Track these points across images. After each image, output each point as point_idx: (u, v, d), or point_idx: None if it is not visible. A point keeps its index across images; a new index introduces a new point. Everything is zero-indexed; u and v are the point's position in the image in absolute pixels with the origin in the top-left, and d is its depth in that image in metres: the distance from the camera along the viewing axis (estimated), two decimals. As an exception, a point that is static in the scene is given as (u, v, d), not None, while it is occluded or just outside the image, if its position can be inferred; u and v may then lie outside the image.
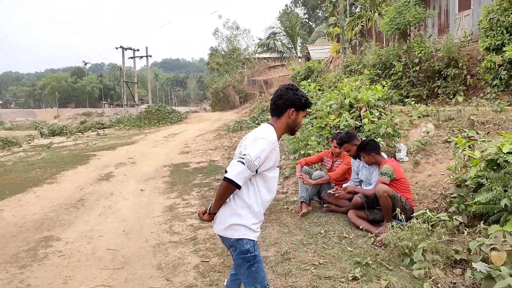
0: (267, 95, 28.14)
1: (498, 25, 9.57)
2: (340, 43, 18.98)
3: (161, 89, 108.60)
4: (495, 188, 3.12)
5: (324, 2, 24.01)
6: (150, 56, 37.12)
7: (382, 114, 6.25)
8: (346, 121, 6.12)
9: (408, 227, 3.43)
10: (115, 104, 66.82)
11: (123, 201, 6.62)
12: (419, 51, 11.96)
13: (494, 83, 9.58)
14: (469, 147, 4.01)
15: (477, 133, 5.56)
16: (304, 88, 9.40)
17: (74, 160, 11.23)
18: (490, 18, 9.75)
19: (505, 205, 3.03)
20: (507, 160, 3.31)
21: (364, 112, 6.27)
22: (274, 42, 29.25)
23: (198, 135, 16.35)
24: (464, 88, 10.95)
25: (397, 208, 3.87)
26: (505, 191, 3.13)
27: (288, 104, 2.29)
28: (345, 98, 6.70)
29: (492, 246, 2.65)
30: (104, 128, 24.36)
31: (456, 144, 4.05)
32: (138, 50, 37.54)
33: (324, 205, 4.89)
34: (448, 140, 5.52)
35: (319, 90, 8.99)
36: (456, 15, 14.07)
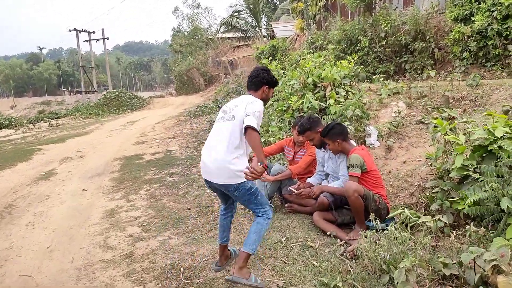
0: (232, 77, 27.15)
1: (466, -7, 9.04)
2: (304, 20, 18.18)
3: (124, 73, 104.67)
4: (491, 185, 2.48)
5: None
6: (107, 39, 35.05)
7: (349, 93, 5.58)
8: (309, 103, 5.42)
9: (384, 236, 2.77)
10: (76, 92, 63.65)
11: (59, 206, 5.71)
12: (385, 25, 11.35)
13: (463, 56, 9.12)
14: (451, 130, 3.38)
15: (451, 110, 4.97)
16: (263, 52, 8.62)
17: (15, 156, 10.07)
18: (457, -14, 9.20)
19: (507, 206, 2.39)
20: (501, 146, 2.68)
21: (330, 92, 5.58)
22: (237, 21, 28.07)
23: (158, 122, 15.32)
24: (432, 62, 10.48)
25: (370, 210, 3.23)
26: (502, 187, 2.50)
27: (263, 82, 3.05)
28: (308, 77, 5.99)
29: (495, 265, 2.00)
30: (59, 117, 22.75)
31: (435, 127, 3.40)
32: (93, 32, 35.40)
33: (286, 205, 4.20)
34: (423, 120, 4.93)
35: (281, 69, 8.22)
36: (422, -14, 13.52)
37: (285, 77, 6.69)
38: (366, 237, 2.90)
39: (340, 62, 6.09)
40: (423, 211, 3.38)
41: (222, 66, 30.23)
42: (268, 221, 2.90)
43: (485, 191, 2.54)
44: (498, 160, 2.76)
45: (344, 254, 3.09)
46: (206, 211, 4.70)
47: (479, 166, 2.94)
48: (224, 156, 2.75)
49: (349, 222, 3.60)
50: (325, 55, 6.61)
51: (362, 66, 7.95)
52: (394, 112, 5.25)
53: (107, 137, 12.76)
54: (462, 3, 9.13)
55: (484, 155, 2.95)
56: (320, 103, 5.53)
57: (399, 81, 6.55)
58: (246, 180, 2.72)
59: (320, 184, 4.01)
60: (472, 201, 2.48)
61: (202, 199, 5.24)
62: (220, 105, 15.55)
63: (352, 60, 6.03)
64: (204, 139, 9.87)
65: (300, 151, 4.40)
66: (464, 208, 2.91)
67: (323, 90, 5.84)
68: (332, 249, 3.22)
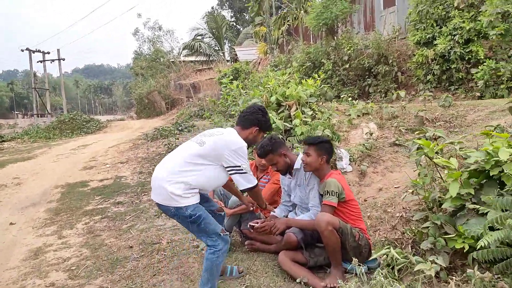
0: (195, 100, 26.51)
1: (427, 17, 9.05)
2: (267, 43, 18.03)
3: (83, 96, 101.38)
4: (506, 222, 1.95)
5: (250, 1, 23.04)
6: (63, 59, 33.61)
7: (316, 113, 5.08)
8: (273, 123, 4.85)
9: (370, 285, 2.16)
10: (30, 114, 60.43)
11: (-25, 244, 4.71)
12: (348, 48, 11.24)
13: (427, 79, 9.01)
14: (437, 152, 2.88)
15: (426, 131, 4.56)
16: (226, 87, 8.09)
17: None
18: (419, 10, 9.20)
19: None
20: (503, 171, 2.18)
21: (295, 111, 5.05)
22: (200, 44, 27.65)
23: (113, 145, 14.25)
24: (396, 86, 10.39)
25: (348, 247, 2.63)
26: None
27: (255, 122, 2.84)
28: (271, 95, 5.45)
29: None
30: (4, 141, 20.95)
31: (419, 148, 2.90)
32: (48, 53, 33.90)
33: (246, 242, 3.52)
34: (397, 142, 4.47)
35: (242, 89, 7.68)
36: (382, 12, 13.73)
37: (246, 95, 6.15)
38: (346, 285, 2.28)
39: (306, 80, 5.63)
40: (410, 249, 2.82)
41: (184, 89, 29.56)
42: (217, 254, 2.59)
43: (497, 229, 2.01)
44: (502, 188, 2.27)
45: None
46: (151, 250, 3.93)
47: (476, 195, 2.43)
48: (166, 174, 2.60)
49: (323, 264, 2.96)
50: (289, 73, 6.16)
51: (329, 85, 7.55)
52: (366, 134, 4.80)
53: (53, 162, 11.60)
54: (424, 27, 9.11)
55: (483, 181, 2.45)
56: (285, 123, 4.99)
57: (368, 102, 6.22)
58: (184, 205, 2.55)
59: (286, 216, 3.38)
60: (483, 243, 1.93)
61: (148, 234, 4.46)
62: (180, 128, 14.79)
63: (318, 79, 5.60)
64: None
65: (263, 177, 3.77)
66: (462, 246, 2.37)
67: (288, 109, 5.33)
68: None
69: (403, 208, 3.33)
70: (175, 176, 2.57)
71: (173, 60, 32.48)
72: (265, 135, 3.10)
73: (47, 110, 33.68)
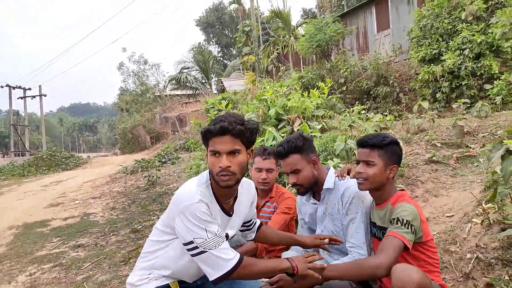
0: (181, 133, 25.56)
1: (432, 32, 8.35)
2: (256, 72, 17.35)
3: (67, 135, 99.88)
4: None
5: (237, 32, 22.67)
6: (44, 95, 32.61)
7: (326, 128, 4.08)
8: (273, 140, 3.81)
9: None
10: (10, 153, 58.24)
11: None
12: (344, 70, 10.50)
13: (437, 97, 8.18)
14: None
15: (468, 147, 3.58)
16: (213, 107, 7.16)
17: None
18: (422, 25, 8.52)
19: None
20: None
21: (299, 125, 4.04)
22: (186, 76, 27.02)
23: (88, 180, 12.99)
24: (398, 107, 9.57)
25: None
26: None
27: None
28: (269, 109, 4.46)
29: None
30: (-27, 180, 19.40)
31: (504, 156, 1.90)
32: (30, 89, 32.97)
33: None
34: (434, 158, 3.46)
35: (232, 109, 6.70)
36: (375, 35, 13.20)
37: (238, 110, 5.17)
38: None
39: (311, 91, 4.69)
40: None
41: (170, 123, 28.66)
42: None
43: None
44: None
45: None
46: (107, 316, 2.73)
47: None
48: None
49: None
50: (288, 85, 5.22)
51: (337, 96, 6.54)
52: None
53: (17, 200, 10.29)
54: (428, 42, 8.39)
55: None
56: (287, 139, 3.98)
57: (385, 115, 5.29)
58: None
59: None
60: None
61: (108, 290, 3.26)
62: (163, 160, 13.62)
63: (325, 87, 4.65)
64: (138, 198, 7.90)
65: (266, 204, 2.67)
66: None
67: (290, 124, 4.31)
68: None
69: (476, 246, 2.27)
70: (138, 263, 1.85)
71: (158, 94, 31.73)
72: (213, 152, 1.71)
73: (25, 148, 32.18)
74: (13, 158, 31.10)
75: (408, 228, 1.68)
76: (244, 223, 2.01)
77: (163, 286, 1.74)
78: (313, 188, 2.13)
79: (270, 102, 4.58)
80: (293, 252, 2.30)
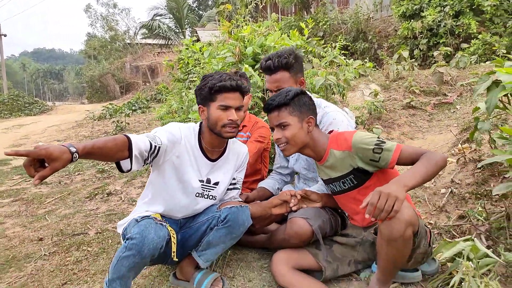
0: (152, 84, 24.72)
1: (415, -14, 8.16)
2: (233, 22, 16.71)
3: (31, 81, 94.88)
4: None
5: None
6: (4, 36, 30.43)
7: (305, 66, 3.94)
8: (251, 78, 3.65)
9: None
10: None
11: None
12: (323, 23, 10.22)
13: (413, 55, 8.14)
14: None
15: (446, 95, 3.57)
16: (187, 48, 6.85)
17: None
18: (405, -21, 8.31)
19: None
20: None
21: (278, 66, 3.86)
22: (159, 25, 25.74)
23: (53, 125, 12.44)
24: (375, 64, 9.52)
25: (415, 255, 1.52)
26: None
27: (198, 102, 1.87)
28: (246, 48, 4.24)
29: None
30: None
31: (494, 83, 1.86)
32: (-13, 27, 30.47)
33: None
34: (412, 103, 3.42)
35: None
36: (358, -10, 12.85)
37: (212, 49, 4.91)
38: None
39: (290, 32, 4.48)
40: (484, 241, 1.74)
41: (141, 73, 27.64)
42: (124, 247, 1.52)
43: None
44: None
45: None
46: (69, 244, 2.62)
47: None
48: None
49: (347, 273, 1.80)
50: (268, 25, 4.97)
51: (318, 38, 6.32)
52: (369, 95, 3.73)
53: (-24, 140, 9.72)
54: (410, -3, 8.22)
55: None
56: (263, 79, 3.82)
57: (365, 61, 5.17)
58: None
59: (280, 190, 2.21)
60: None
61: (71, 222, 3.13)
62: (133, 108, 13.19)
63: (306, 28, 4.46)
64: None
65: (238, 134, 2.55)
66: None
67: (268, 65, 4.14)
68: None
69: (452, 181, 2.27)
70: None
71: (129, 41, 30.26)
72: (224, 104, 1.79)
73: (-16, 91, 30.33)
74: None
75: (384, 142, 1.60)
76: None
77: (145, 216, 1.67)
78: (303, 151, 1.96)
79: (248, 41, 4.37)
80: (274, 178, 2.27)
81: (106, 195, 3.86)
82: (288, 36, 4.35)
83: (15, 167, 5.92)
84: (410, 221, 1.39)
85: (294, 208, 1.81)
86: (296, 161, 2.14)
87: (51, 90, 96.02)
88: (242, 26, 4.95)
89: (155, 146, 1.65)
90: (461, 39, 7.62)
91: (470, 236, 1.60)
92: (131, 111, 12.19)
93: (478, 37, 7.03)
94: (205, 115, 1.81)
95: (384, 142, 1.58)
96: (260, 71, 2.23)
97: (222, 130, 1.76)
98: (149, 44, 29.93)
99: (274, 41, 4.06)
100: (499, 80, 1.93)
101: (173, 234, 1.70)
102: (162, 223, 1.61)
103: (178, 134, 1.79)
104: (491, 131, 2.14)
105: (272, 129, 1.78)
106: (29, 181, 4.90)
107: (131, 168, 1.55)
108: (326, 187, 1.91)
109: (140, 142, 1.57)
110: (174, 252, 1.66)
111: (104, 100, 29.70)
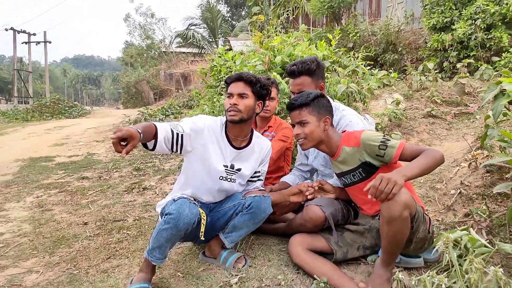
0: (185, 91, 25.42)
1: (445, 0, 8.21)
2: (264, 33, 17.08)
3: (70, 86, 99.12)
4: None
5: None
6: (50, 42, 32.23)
7: (331, 75, 4.15)
8: (280, 84, 3.91)
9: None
10: (14, 98, 58.07)
11: None
12: (353, 34, 10.38)
13: (442, 67, 8.16)
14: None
15: (466, 105, 3.69)
16: (220, 56, 7.21)
17: None
18: (437, -8, 8.37)
19: None
20: None
21: (304, 74, 4.11)
22: (193, 34, 26.58)
23: (92, 127, 13.15)
24: (404, 76, 9.57)
25: (415, 239, 1.73)
26: None
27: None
28: (275, 56, 4.52)
29: None
30: (-23, 121, 19.58)
31: (500, 94, 2.02)
32: (34, 34, 32.50)
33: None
34: (433, 113, 3.57)
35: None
36: (389, 2, 12.91)
37: (243, 58, 5.21)
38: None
39: (319, 42, 4.72)
40: (484, 234, 1.91)
41: (174, 80, 28.51)
42: (163, 221, 1.82)
43: None
44: None
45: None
46: (111, 228, 2.94)
47: None
48: None
49: (356, 257, 2.02)
50: (297, 36, 5.23)
51: (345, 49, 6.55)
52: (391, 103, 3.91)
53: (22, 139, 10.48)
54: (441, 10, 8.27)
55: None
56: (292, 86, 4.07)
57: (390, 72, 5.33)
58: None
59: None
60: None
61: (111, 210, 3.47)
62: (166, 113, 13.75)
63: (333, 39, 4.68)
64: (140, 144, 8.08)
65: (264, 134, 2.81)
66: None
67: (295, 73, 4.40)
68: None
69: (461, 183, 2.43)
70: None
71: (164, 49, 31.33)
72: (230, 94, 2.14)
73: (29, 95, 32.16)
74: (16, 105, 31.22)
75: (389, 140, 1.83)
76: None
77: (181, 196, 1.97)
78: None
79: (277, 50, 4.64)
80: (295, 175, 2.51)
81: (142, 189, 4.20)
82: (316, 46, 4.59)
83: (58, 163, 6.41)
84: (406, 203, 1.59)
85: (309, 197, 2.04)
86: (314, 159, 2.38)
87: (88, 95, 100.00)
88: (273, 37, 5.23)
89: (177, 134, 1.91)
90: (492, 52, 7.59)
91: (467, 226, 1.77)
92: (164, 116, 12.75)
93: (509, 50, 7.01)
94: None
95: (389, 140, 1.81)
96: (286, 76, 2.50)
97: (227, 115, 2.05)
98: (183, 52, 30.90)
99: (302, 51, 4.31)
100: (505, 90, 2.11)
101: (204, 216, 1.96)
102: (195, 203, 1.88)
103: (201, 124, 2.04)
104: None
105: (293, 126, 2.02)
106: (72, 175, 5.34)
107: (153, 148, 1.85)
108: (339, 181, 2.13)
109: (163, 129, 1.86)
110: (202, 232, 1.92)
111: (139, 106, 30.77)
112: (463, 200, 2.28)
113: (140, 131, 1.63)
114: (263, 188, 2.28)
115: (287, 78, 4.45)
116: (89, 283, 2.01)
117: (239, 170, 2.14)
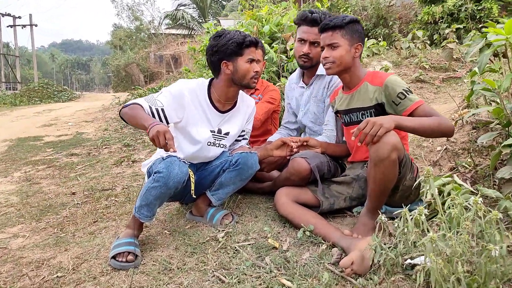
0: (175, 74, 25.15)
1: (436, -29, 8.11)
2: (252, 3, 16.84)
3: (59, 71, 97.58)
4: None
5: (237, -31, 21.69)
6: (35, 26, 31.48)
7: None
8: (267, 52, 3.86)
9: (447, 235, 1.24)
10: (1, 83, 56.98)
11: None
12: (344, 9, 10.26)
13: (433, 40, 8.11)
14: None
15: (455, 71, 3.68)
16: (208, 32, 7.09)
17: None
18: (427, -36, 8.26)
19: None
20: None
21: (293, 44, 4.06)
22: (183, 15, 26.14)
23: (81, 109, 13.00)
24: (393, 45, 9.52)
25: (401, 187, 1.74)
26: None
27: (219, 58, 1.97)
28: (263, 27, 4.45)
29: None
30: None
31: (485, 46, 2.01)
32: (19, 17, 31.69)
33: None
34: (421, 77, 3.56)
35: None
36: (380, -23, 12.75)
37: (230, 28, 5.12)
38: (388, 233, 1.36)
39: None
40: (468, 185, 1.92)
41: (165, 62, 28.13)
42: (152, 179, 1.77)
43: None
44: None
45: (339, 265, 1.48)
46: (99, 196, 2.92)
47: None
48: None
49: (342, 208, 2.03)
50: (285, 7, 5.15)
51: None
52: (381, 69, 3.89)
53: (10, 121, 10.34)
54: (432, -18, 8.18)
55: None
56: (281, 55, 4.02)
57: (379, 40, 5.28)
58: None
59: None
60: None
61: (100, 181, 3.45)
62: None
63: (322, 8, 4.62)
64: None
65: (251, 96, 2.77)
66: None
67: (284, 43, 4.34)
68: (314, 255, 1.62)
69: (447, 140, 2.44)
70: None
71: (154, 31, 30.81)
72: (252, 58, 1.99)
73: (17, 80, 31.59)
74: (4, 90, 30.67)
75: (412, 92, 1.80)
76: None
77: (170, 155, 1.87)
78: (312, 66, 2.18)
79: (265, 20, 4.57)
80: (281, 133, 2.49)
81: (131, 162, 4.17)
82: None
83: (47, 142, 6.34)
84: (395, 145, 1.57)
85: (294, 150, 2.03)
86: (304, 115, 2.35)
87: (78, 81, 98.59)
88: (261, 7, 5.14)
89: (157, 110, 1.85)
90: (482, 24, 7.55)
91: (450, 173, 1.78)
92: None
93: (499, 21, 6.97)
94: (230, 70, 1.96)
95: (411, 93, 1.78)
96: (296, 23, 2.32)
97: (251, 81, 1.98)
98: (173, 34, 30.39)
99: (290, 19, 4.24)
100: (490, 41, 2.09)
101: (192, 174, 1.94)
102: (185, 161, 1.85)
103: (182, 90, 1.94)
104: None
105: (322, 48, 1.95)
106: (60, 152, 5.28)
107: None
108: (341, 119, 2.10)
109: (145, 108, 1.84)
110: (193, 190, 1.91)
111: (129, 89, 30.40)
112: (449, 156, 2.29)
113: (158, 122, 1.67)
114: (248, 146, 2.27)
115: (276, 47, 4.40)
116: (76, 244, 2.00)
117: (227, 134, 2.10)
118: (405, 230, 1.31)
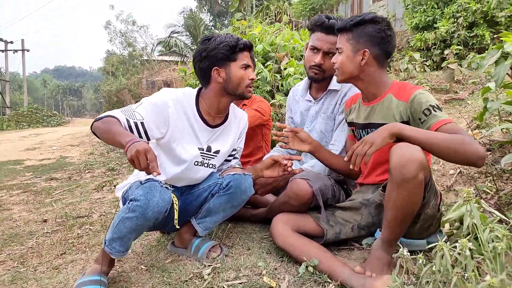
0: (167, 99, 25.05)
1: (428, -2, 8.18)
2: (244, 24, 16.96)
3: (51, 97, 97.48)
4: None
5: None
6: (28, 51, 31.49)
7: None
8: (260, 73, 3.67)
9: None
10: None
11: None
12: (337, 36, 10.28)
13: (427, 66, 8.08)
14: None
15: (456, 92, 3.52)
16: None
17: None
18: (418, -8, 8.35)
19: None
20: None
21: (287, 63, 3.90)
22: (176, 42, 26.33)
23: (69, 134, 12.67)
24: (390, 67, 9.48)
25: (423, 216, 1.50)
26: None
27: (209, 64, 1.71)
28: (256, 46, 4.29)
29: None
30: None
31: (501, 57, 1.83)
32: (11, 42, 31.67)
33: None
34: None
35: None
36: (371, 6, 12.95)
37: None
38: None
39: (302, 30, 4.52)
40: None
41: (157, 88, 28.06)
42: (127, 208, 1.47)
43: None
44: None
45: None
46: (72, 224, 2.61)
47: None
48: None
49: (348, 239, 1.75)
50: (278, 28, 5.03)
51: None
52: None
53: (-7, 145, 9.95)
54: (424, 9, 8.24)
55: None
56: (275, 74, 3.84)
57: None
58: None
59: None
60: None
61: (76, 207, 3.13)
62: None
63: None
64: (118, 148, 7.72)
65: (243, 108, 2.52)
66: None
67: (278, 62, 4.17)
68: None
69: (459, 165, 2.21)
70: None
71: (146, 57, 30.91)
72: (246, 64, 1.76)
73: (6, 105, 31.17)
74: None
75: (440, 109, 1.50)
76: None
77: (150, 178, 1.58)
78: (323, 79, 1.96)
79: (258, 39, 4.42)
80: (279, 151, 2.24)
81: (113, 186, 3.87)
82: (299, 34, 4.39)
83: (28, 166, 6.01)
84: (422, 163, 1.30)
85: (289, 170, 1.77)
86: (309, 132, 2.06)
87: (69, 107, 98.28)
88: (254, 27, 5.02)
89: (135, 123, 1.58)
90: (475, 50, 7.55)
91: (476, 199, 1.54)
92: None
93: (492, 48, 6.96)
94: (222, 77, 1.71)
95: (440, 110, 1.50)
96: (310, 28, 2.05)
97: (246, 90, 1.74)
98: (165, 60, 30.53)
99: (284, 38, 4.09)
100: (507, 53, 1.90)
101: (176, 200, 1.66)
102: (167, 186, 1.55)
103: (165, 100, 1.68)
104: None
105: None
106: (40, 177, 4.96)
107: None
108: (357, 134, 1.81)
109: (122, 122, 1.56)
110: (176, 219, 1.62)
111: (120, 115, 30.19)
112: (464, 180, 2.06)
113: (138, 139, 1.39)
114: (240, 167, 2.00)
115: (269, 66, 4.21)
116: (35, 280, 1.70)
117: (217, 152, 1.83)
118: (434, 269, 1.05)
